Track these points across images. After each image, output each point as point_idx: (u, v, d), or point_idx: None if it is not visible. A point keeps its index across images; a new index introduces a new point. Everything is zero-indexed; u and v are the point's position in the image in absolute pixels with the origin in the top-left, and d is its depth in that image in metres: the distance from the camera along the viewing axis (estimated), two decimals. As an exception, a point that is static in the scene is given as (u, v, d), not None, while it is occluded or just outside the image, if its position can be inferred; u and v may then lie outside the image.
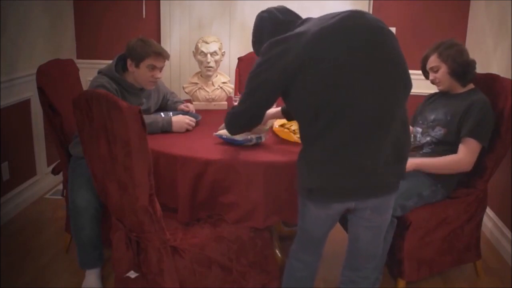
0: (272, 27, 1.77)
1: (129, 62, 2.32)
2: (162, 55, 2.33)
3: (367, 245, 1.80)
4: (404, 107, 1.63)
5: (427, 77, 2.44)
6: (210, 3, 3.79)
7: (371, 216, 1.72)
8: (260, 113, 1.78)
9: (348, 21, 1.56)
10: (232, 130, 1.91)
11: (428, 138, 2.36)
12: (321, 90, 1.53)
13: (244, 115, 1.78)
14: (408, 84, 1.62)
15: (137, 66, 2.30)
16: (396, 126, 1.59)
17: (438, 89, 2.42)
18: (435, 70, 2.35)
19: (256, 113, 1.78)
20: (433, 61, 2.35)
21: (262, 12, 1.84)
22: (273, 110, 2.19)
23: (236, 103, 2.60)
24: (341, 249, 1.91)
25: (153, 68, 2.31)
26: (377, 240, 1.81)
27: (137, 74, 2.33)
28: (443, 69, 2.31)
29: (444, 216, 2.32)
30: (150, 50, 2.28)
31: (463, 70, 2.30)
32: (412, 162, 2.21)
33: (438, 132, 2.33)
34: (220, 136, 2.13)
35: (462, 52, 2.31)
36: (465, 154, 2.22)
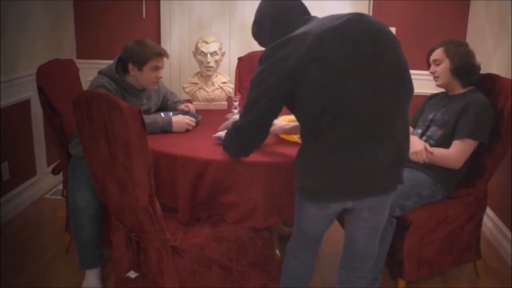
0: (277, 15, 1.73)
1: (130, 66, 2.31)
2: (163, 55, 2.33)
3: (363, 245, 1.80)
4: (406, 111, 1.63)
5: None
6: (210, 3, 3.79)
7: (368, 216, 1.72)
8: (266, 124, 1.73)
9: (353, 23, 1.55)
10: (235, 149, 1.85)
11: (426, 138, 2.37)
12: (324, 90, 1.52)
13: (250, 127, 1.72)
14: (410, 88, 1.61)
15: (140, 69, 2.30)
16: (397, 129, 1.59)
17: (436, 84, 2.42)
18: (437, 63, 2.35)
19: (263, 124, 1.72)
20: (437, 54, 2.35)
21: None
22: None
23: (236, 103, 2.61)
24: (339, 249, 1.90)
25: (156, 69, 2.32)
26: (373, 240, 1.81)
27: (141, 76, 2.33)
28: (445, 64, 2.31)
29: (444, 216, 2.32)
30: (151, 52, 2.28)
31: (466, 71, 2.30)
32: (421, 143, 2.23)
33: (436, 132, 2.33)
34: (219, 138, 2.12)
35: (470, 53, 2.31)
36: (455, 152, 2.22)
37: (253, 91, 1.65)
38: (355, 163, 1.56)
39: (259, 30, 1.80)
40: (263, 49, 1.72)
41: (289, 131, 2.15)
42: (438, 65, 2.35)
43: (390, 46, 1.57)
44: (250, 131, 1.74)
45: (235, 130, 1.78)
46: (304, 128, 1.64)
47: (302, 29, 1.61)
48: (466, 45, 2.36)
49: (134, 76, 2.33)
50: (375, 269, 2.20)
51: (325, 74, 1.52)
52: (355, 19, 1.57)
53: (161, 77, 2.38)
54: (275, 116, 1.72)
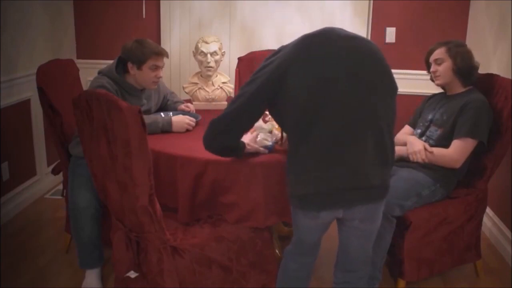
0: None
1: (130, 65, 2.31)
2: (162, 54, 2.33)
3: (358, 251, 1.81)
4: (391, 109, 1.65)
5: (428, 68, 2.45)
6: (210, 3, 3.79)
7: (360, 225, 1.72)
8: (238, 123, 1.72)
9: (328, 31, 1.65)
10: (207, 139, 1.78)
11: (426, 138, 2.37)
12: (301, 94, 1.57)
13: (223, 121, 1.71)
14: (392, 86, 1.66)
15: (139, 68, 2.30)
16: (380, 127, 1.61)
17: (435, 83, 2.42)
18: (439, 62, 2.35)
19: (235, 123, 1.71)
20: (439, 53, 2.35)
21: None
22: None
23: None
24: (336, 246, 1.90)
25: (155, 68, 2.32)
26: (367, 246, 1.82)
27: (140, 76, 2.32)
28: (448, 64, 2.32)
29: (444, 216, 2.32)
30: (150, 51, 2.28)
31: (468, 71, 2.30)
32: (421, 143, 2.25)
33: (435, 132, 2.34)
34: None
35: (471, 54, 2.33)
36: (455, 151, 2.22)
37: (238, 92, 1.73)
38: (340, 165, 1.58)
39: None
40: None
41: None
42: (439, 64, 2.35)
43: (370, 46, 1.64)
44: (223, 124, 1.72)
45: (212, 121, 1.75)
46: (289, 135, 1.69)
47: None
48: (466, 45, 2.37)
49: (134, 75, 2.33)
50: (375, 269, 2.21)
51: (308, 72, 1.57)
52: (330, 28, 1.68)
53: (161, 77, 2.38)
54: (250, 122, 1.74)
